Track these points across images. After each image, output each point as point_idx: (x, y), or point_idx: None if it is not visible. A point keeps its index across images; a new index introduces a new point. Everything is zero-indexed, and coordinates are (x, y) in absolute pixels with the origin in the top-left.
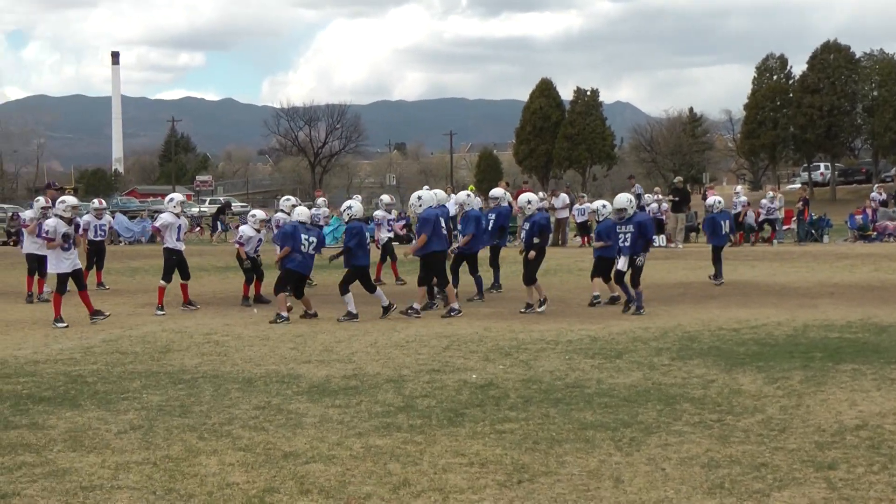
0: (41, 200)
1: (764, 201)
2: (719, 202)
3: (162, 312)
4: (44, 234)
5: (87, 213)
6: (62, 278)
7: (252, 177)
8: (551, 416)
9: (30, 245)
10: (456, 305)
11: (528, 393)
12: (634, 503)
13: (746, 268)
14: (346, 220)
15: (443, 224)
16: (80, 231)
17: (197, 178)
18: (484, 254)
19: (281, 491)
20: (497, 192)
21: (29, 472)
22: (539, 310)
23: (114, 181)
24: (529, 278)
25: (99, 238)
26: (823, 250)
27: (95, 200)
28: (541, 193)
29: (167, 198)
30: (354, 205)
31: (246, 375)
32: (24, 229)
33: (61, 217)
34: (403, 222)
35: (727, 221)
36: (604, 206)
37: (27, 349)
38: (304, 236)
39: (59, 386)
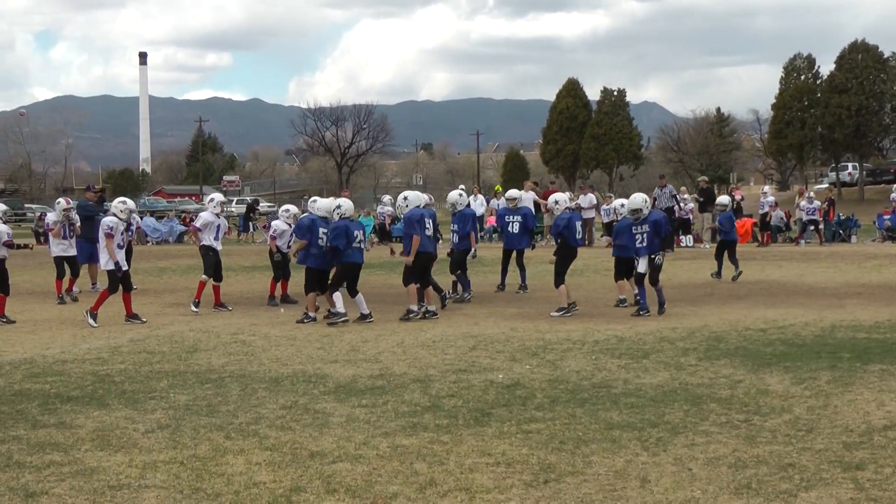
0: (62, 202)
1: (804, 203)
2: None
3: (196, 310)
4: (106, 231)
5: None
6: (113, 276)
7: (279, 177)
8: (577, 416)
9: (56, 248)
10: (415, 307)
11: (555, 393)
12: (661, 503)
13: (774, 268)
14: (336, 218)
15: (427, 224)
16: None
17: (224, 178)
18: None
19: (307, 490)
20: (515, 192)
21: (57, 471)
22: (554, 314)
23: (141, 181)
24: (556, 280)
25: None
26: (851, 250)
27: (61, 200)
28: (569, 193)
29: (208, 198)
30: (344, 203)
31: (273, 375)
32: (49, 233)
33: (118, 217)
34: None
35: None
36: (622, 206)
37: (55, 349)
38: (321, 230)
39: (86, 385)
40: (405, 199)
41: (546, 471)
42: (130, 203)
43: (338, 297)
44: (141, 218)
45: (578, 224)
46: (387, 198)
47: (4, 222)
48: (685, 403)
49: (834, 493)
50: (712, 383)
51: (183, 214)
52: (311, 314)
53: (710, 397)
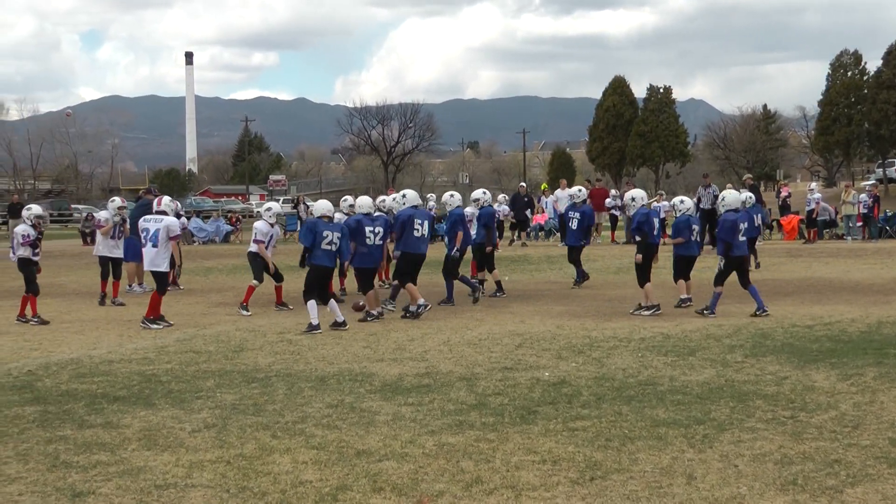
0: (117, 201)
1: (863, 196)
2: (750, 198)
3: (247, 313)
4: (177, 234)
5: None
6: (163, 278)
7: (325, 176)
8: (624, 414)
9: (103, 247)
10: (378, 310)
11: (601, 391)
12: (707, 500)
13: (820, 265)
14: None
15: (416, 225)
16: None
17: (270, 177)
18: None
19: (354, 489)
20: (576, 189)
21: (104, 471)
22: (645, 313)
23: (187, 181)
24: (640, 279)
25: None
26: None
27: (116, 199)
28: (613, 191)
29: (264, 206)
30: (318, 204)
31: (319, 374)
32: (98, 230)
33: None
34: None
35: (758, 215)
36: (681, 202)
37: (102, 349)
38: (367, 228)
39: (133, 385)
40: (403, 196)
41: (592, 468)
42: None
43: (312, 306)
44: (188, 218)
45: (656, 221)
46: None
47: (32, 225)
48: (731, 400)
49: (880, 488)
50: (758, 380)
51: (229, 214)
52: (374, 311)
53: (756, 394)
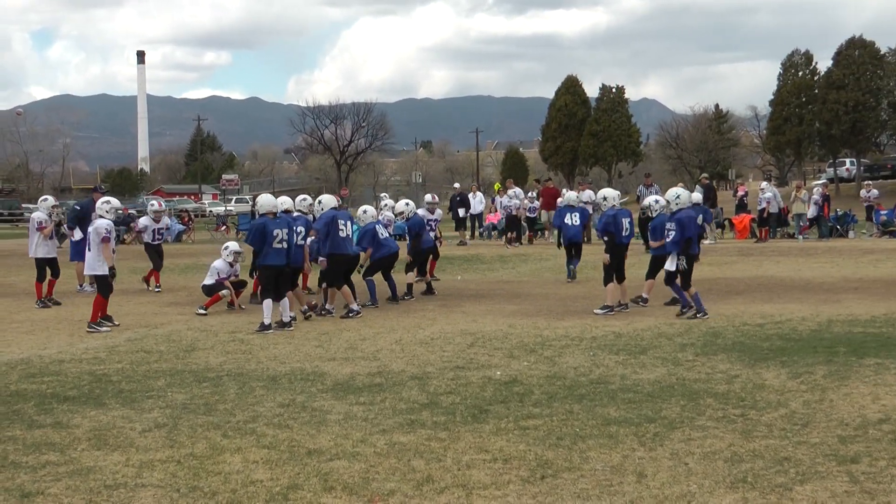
0: (50, 200)
1: (815, 196)
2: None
3: (204, 312)
4: (104, 235)
5: (145, 215)
6: (104, 280)
7: (278, 175)
8: (575, 413)
9: (41, 249)
10: (355, 306)
11: (552, 389)
12: (657, 498)
13: (771, 263)
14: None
15: (340, 225)
16: (136, 233)
17: (223, 177)
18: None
19: (305, 488)
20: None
21: (53, 471)
22: (598, 312)
23: (140, 181)
24: (605, 278)
25: (157, 241)
26: (848, 246)
27: (154, 202)
28: (564, 190)
29: (223, 246)
30: (262, 198)
31: (270, 373)
32: (40, 231)
33: (107, 218)
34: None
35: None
36: (656, 202)
37: (52, 349)
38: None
39: (83, 385)
40: (319, 202)
41: (543, 467)
42: (115, 202)
43: (267, 305)
44: (139, 217)
45: (626, 221)
46: (386, 198)
47: None
48: (682, 399)
49: (829, 486)
50: (709, 378)
51: (182, 213)
52: (354, 307)
53: (707, 392)
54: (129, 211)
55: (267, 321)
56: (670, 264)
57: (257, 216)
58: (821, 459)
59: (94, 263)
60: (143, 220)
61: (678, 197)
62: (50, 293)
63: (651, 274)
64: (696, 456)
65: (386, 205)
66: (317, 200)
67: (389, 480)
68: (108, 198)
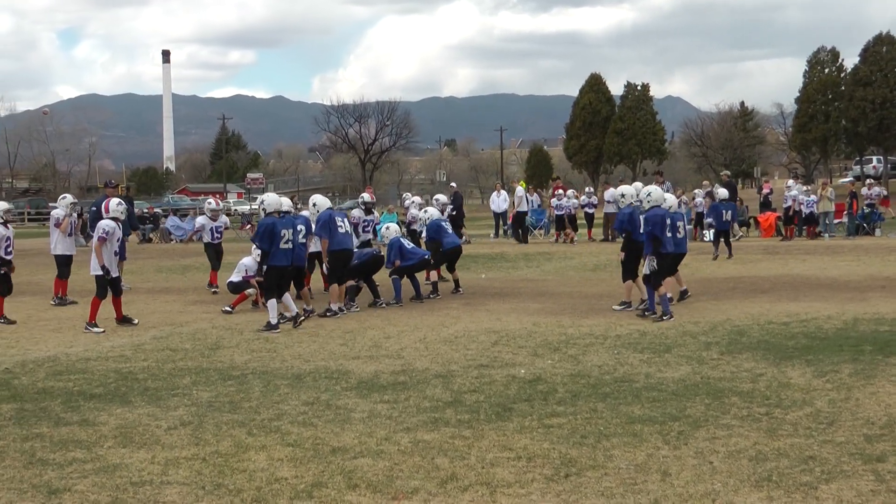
0: (68, 198)
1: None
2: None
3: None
4: (101, 235)
5: (202, 214)
6: (101, 281)
7: (303, 174)
8: (599, 411)
9: (61, 245)
10: (335, 307)
11: (577, 388)
12: (682, 496)
13: (797, 262)
14: (262, 215)
15: (339, 222)
16: (194, 233)
17: (248, 175)
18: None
19: (329, 486)
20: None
21: (80, 468)
22: (616, 308)
23: (165, 180)
24: (623, 275)
25: (216, 240)
26: (874, 244)
27: (211, 201)
28: (588, 188)
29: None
30: (268, 198)
31: (295, 371)
32: (56, 228)
33: (117, 220)
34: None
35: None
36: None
37: (79, 347)
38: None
39: (109, 383)
40: (314, 205)
41: (567, 465)
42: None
43: (272, 305)
44: (166, 216)
45: (642, 218)
46: (411, 196)
47: (3, 223)
48: (706, 397)
49: (854, 485)
50: (734, 377)
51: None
52: (333, 306)
53: (732, 391)
54: (155, 210)
55: (274, 320)
56: (646, 267)
57: (263, 216)
58: (846, 458)
59: (93, 263)
60: (200, 220)
61: (649, 195)
62: (64, 293)
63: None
64: (720, 454)
65: (414, 202)
66: (311, 203)
67: (413, 478)
68: (119, 199)
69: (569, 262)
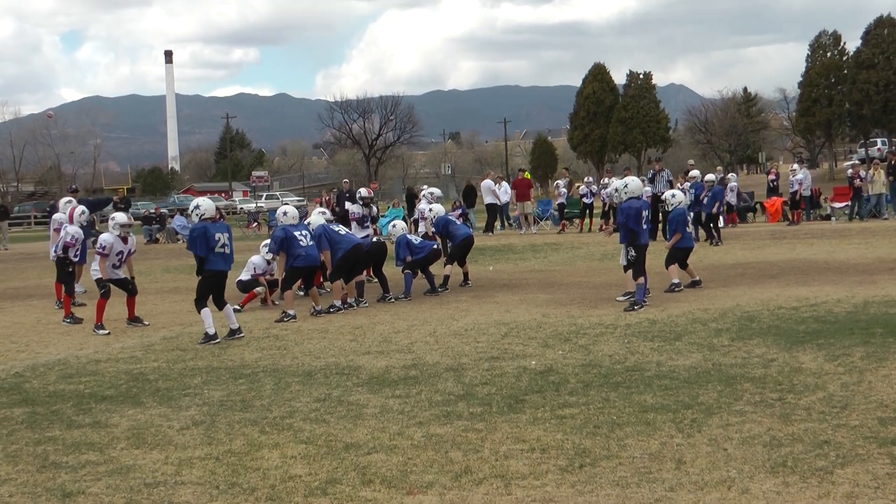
0: (73, 202)
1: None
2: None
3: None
4: (99, 251)
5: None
6: (102, 284)
7: (307, 171)
8: (611, 400)
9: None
10: (292, 311)
11: (588, 378)
12: (697, 484)
13: (805, 246)
14: (196, 220)
15: (336, 228)
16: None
17: (253, 173)
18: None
19: (343, 482)
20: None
21: (93, 471)
22: (620, 298)
23: (170, 180)
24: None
25: None
26: (882, 227)
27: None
28: (588, 178)
29: (279, 211)
30: (203, 203)
31: (306, 368)
32: (55, 232)
33: (119, 235)
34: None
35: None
36: (672, 196)
37: (89, 349)
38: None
39: (120, 384)
40: (284, 213)
41: (581, 455)
42: (120, 217)
43: (206, 314)
44: (172, 217)
45: (645, 212)
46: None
47: None
48: (719, 384)
49: (870, 468)
50: (745, 363)
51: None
52: (317, 307)
53: (744, 377)
54: (161, 210)
55: (211, 331)
56: (622, 258)
57: (196, 221)
58: (861, 442)
59: (94, 266)
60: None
61: (626, 186)
62: (59, 296)
63: (670, 259)
64: (734, 441)
65: (431, 192)
66: (281, 211)
67: (427, 472)
68: (115, 213)
69: (576, 253)
